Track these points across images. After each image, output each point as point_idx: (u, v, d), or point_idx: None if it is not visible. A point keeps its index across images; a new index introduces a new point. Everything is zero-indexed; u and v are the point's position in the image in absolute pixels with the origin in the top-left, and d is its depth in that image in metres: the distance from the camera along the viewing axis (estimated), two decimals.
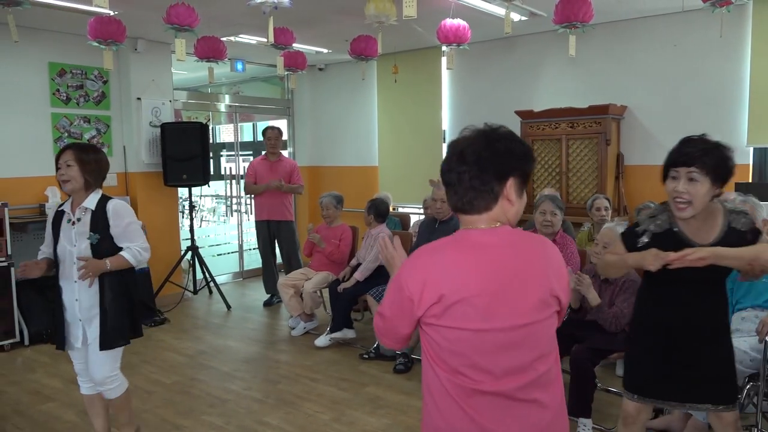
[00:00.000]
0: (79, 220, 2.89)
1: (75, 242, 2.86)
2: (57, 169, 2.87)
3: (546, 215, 3.94)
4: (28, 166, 5.65)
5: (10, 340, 5.04)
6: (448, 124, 7.08)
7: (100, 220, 2.88)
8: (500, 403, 1.47)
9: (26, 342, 5.13)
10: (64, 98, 5.92)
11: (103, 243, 2.87)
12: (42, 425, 3.65)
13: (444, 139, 7.08)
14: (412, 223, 6.33)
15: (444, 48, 4.88)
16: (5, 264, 5.00)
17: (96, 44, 4.41)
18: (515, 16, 5.19)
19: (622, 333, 3.47)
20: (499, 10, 4.93)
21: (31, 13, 4.16)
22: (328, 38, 6.33)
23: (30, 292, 5.27)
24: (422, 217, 5.82)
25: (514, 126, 6.08)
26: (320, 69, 8.09)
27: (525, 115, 6.02)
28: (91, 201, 2.91)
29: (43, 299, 5.30)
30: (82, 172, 2.86)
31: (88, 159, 2.89)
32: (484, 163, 1.47)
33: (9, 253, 5.02)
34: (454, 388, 1.47)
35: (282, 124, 8.08)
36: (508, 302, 1.46)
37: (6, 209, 5.00)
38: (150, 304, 5.90)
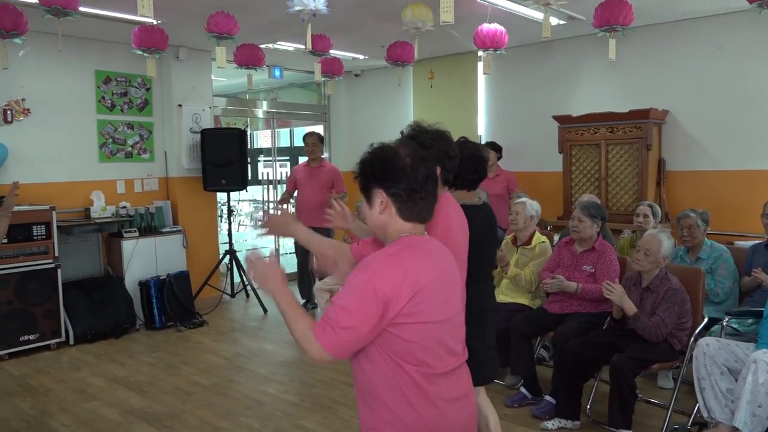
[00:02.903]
0: None
1: None
2: None
3: (574, 221, 3.97)
4: (75, 171, 5.84)
5: (56, 340, 5.20)
6: (485, 130, 7.03)
7: None
8: (457, 376, 1.71)
9: (71, 341, 5.29)
10: (109, 105, 6.11)
11: None
12: (86, 423, 3.76)
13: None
14: None
15: (480, 53, 4.86)
16: (52, 265, 5.17)
17: (140, 52, 4.54)
18: (554, 20, 5.14)
19: (664, 343, 3.39)
20: (537, 15, 4.89)
21: (80, 23, 4.31)
22: (365, 44, 6.38)
23: (75, 292, 5.44)
24: None
25: (552, 131, 6.02)
26: (356, 75, 8.15)
27: (563, 120, 5.94)
28: None
29: (88, 300, 5.46)
30: None
31: None
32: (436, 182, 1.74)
33: (56, 254, 5.19)
34: (424, 379, 1.61)
35: (318, 129, 8.15)
36: (451, 295, 1.71)
37: (54, 213, 5.18)
38: (189, 307, 6.02)
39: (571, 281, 3.88)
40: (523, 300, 4.23)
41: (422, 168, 1.66)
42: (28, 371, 4.68)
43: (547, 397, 3.73)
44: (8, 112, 5.40)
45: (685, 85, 5.59)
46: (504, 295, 4.32)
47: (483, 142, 6.98)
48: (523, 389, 3.91)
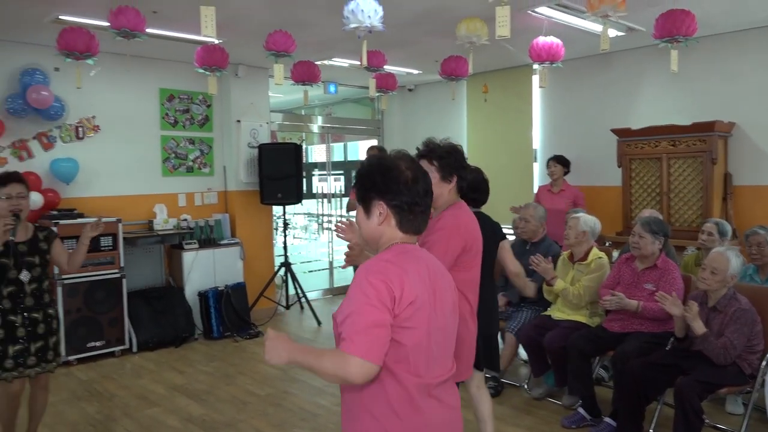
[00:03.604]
0: None
1: None
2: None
3: (634, 237, 3.86)
4: (139, 184, 6.09)
5: (121, 347, 5.41)
6: (540, 144, 6.94)
7: None
8: (446, 390, 1.72)
9: (134, 349, 5.49)
10: (172, 121, 6.35)
11: None
12: (147, 429, 3.88)
13: (535, 158, 6.94)
14: None
15: (536, 66, 4.81)
16: (118, 275, 5.39)
17: (202, 71, 4.71)
18: (612, 32, 5.04)
19: (732, 366, 3.23)
20: (596, 27, 4.81)
21: (146, 43, 4.52)
22: (419, 59, 6.41)
23: (139, 301, 5.65)
24: (512, 238, 5.72)
25: (611, 144, 5.89)
26: (410, 89, 8.19)
27: (622, 134, 5.80)
28: None
29: (150, 309, 5.66)
30: None
31: None
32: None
33: (122, 265, 5.41)
34: (413, 387, 1.61)
35: (372, 144, 8.23)
36: (441, 304, 1.69)
37: (120, 225, 5.41)
38: (246, 317, 6.15)
39: (631, 299, 3.76)
40: (580, 317, 4.12)
41: (422, 181, 1.70)
42: (94, 376, 4.88)
43: (607, 419, 3.61)
44: (80, 129, 5.70)
45: (755, 97, 5.36)
46: (560, 312, 4.22)
47: (538, 155, 6.89)
48: (581, 410, 3.80)
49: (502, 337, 5.11)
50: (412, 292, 1.58)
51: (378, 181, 1.68)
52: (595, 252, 4.24)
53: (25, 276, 3.18)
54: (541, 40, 4.58)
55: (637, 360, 3.44)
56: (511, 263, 3.84)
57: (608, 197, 6.12)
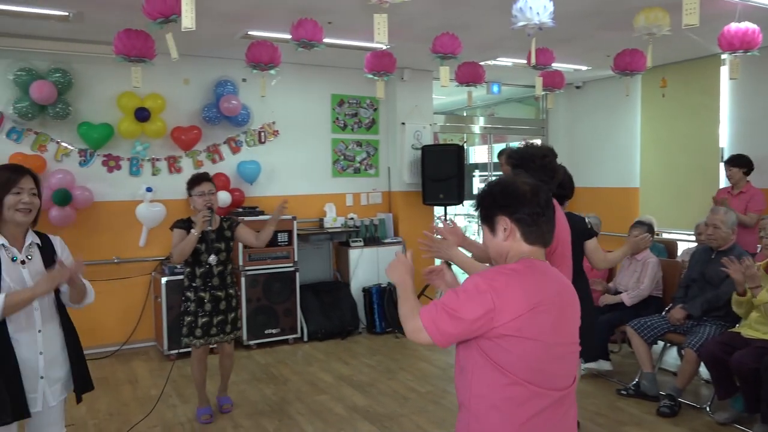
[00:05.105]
0: (30, 258, 2.35)
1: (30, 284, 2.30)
2: (15, 194, 2.26)
3: None
4: (311, 185, 6.53)
5: (293, 336, 5.83)
6: (728, 141, 6.26)
7: (49, 255, 2.42)
8: (558, 409, 1.68)
9: (305, 338, 5.89)
10: (342, 125, 6.71)
11: None
12: (317, 414, 4.14)
13: (721, 157, 6.28)
14: (680, 251, 5.72)
15: (725, 56, 4.35)
16: (292, 269, 5.82)
17: (371, 76, 4.91)
18: None
19: None
20: None
21: (320, 52, 4.82)
22: (588, 55, 6.11)
23: (309, 294, 6.05)
24: (693, 245, 5.24)
25: None
26: (577, 87, 7.83)
27: None
28: (32, 234, 2.42)
29: (319, 302, 6.04)
30: (40, 199, 2.39)
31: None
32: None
33: (296, 259, 5.83)
34: (527, 398, 1.63)
35: (536, 143, 8.00)
36: (565, 321, 1.71)
37: (295, 222, 5.83)
38: None
39: None
40: None
41: (542, 193, 1.75)
42: (271, 361, 5.32)
43: None
44: (262, 134, 6.25)
45: None
46: (753, 330, 3.77)
47: (725, 155, 6.23)
48: None
49: (679, 352, 4.69)
50: (525, 304, 1.61)
51: (498, 197, 1.77)
52: None
53: (213, 260, 3.84)
54: (734, 26, 4.13)
55: None
56: (595, 260, 3.53)
57: None
